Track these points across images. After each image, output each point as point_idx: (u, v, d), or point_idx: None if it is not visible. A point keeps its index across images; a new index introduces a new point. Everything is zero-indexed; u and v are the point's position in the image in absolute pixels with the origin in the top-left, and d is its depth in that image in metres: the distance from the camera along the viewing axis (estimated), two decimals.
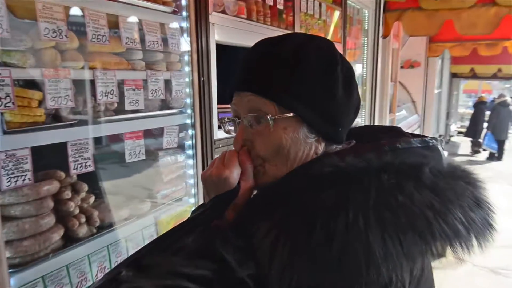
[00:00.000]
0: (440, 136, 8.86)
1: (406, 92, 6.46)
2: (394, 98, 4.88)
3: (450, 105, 10.00)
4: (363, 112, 4.00)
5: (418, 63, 6.51)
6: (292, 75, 0.61)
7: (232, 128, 0.70)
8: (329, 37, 2.94)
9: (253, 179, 0.66)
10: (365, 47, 3.82)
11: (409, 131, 0.72)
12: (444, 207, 0.53)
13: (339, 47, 3.17)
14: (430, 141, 0.63)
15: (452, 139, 9.85)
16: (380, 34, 3.85)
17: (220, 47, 1.78)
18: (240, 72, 0.66)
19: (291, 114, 0.61)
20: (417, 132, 6.59)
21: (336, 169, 0.57)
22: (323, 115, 0.62)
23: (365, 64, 3.89)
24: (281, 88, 0.61)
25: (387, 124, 4.42)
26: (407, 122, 5.86)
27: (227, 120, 0.70)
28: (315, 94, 0.62)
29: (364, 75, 3.92)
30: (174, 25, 1.56)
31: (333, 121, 0.63)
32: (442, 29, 3.59)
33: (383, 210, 0.51)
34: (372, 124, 0.85)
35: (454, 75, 9.84)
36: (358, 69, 3.89)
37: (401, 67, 5.72)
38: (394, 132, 0.70)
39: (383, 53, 4.07)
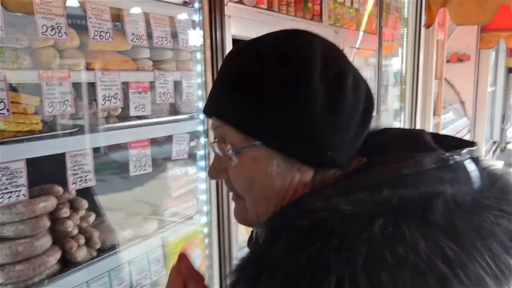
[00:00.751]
0: (494, 143, 8.65)
1: (453, 91, 6.34)
2: (439, 98, 4.80)
3: (506, 106, 9.75)
4: (403, 115, 3.94)
5: (468, 56, 6.39)
6: (252, 95, 0.57)
7: None
8: (362, 28, 2.93)
9: (240, 215, 0.67)
10: (405, 39, 3.79)
11: (457, 136, 0.67)
12: (465, 255, 0.46)
13: (373, 39, 3.15)
14: (452, 157, 0.56)
15: (509, 146, 9.59)
16: (423, 23, 3.81)
17: (237, 43, 1.79)
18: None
19: (257, 143, 0.58)
20: (467, 137, 6.45)
21: (314, 219, 0.50)
22: (299, 140, 0.57)
23: (404, 59, 3.84)
24: (240, 112, 0.58)
25: (431, 129, 4.35)
26: (454, 126, 5.75)
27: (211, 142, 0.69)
28: (282, 115, 0.56)
29: (404, 72, 3.88)
30: (185, 18, 1.59)
31: (314, 144, 0.58)
32: (497, 16, 3.52)
33: (377, 271, 0.44)
34: (392, 127, 0.78)
35: (511, 70, 9.61)
36: (395, 63, 3.85)
37: (447, 61, 5.63)
38: (413, 139, 0.64)
39: (426, 45, 4.02)
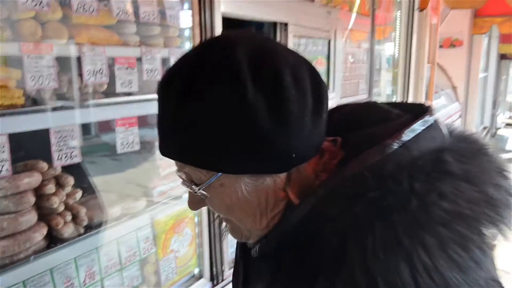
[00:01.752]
0: (484, 128, 8.68)
1: (446, 76, 6.32)
2: (431, 83, 4.77)
3: (497, 92, 9.76)
4: (395, 99, 3.92)
5: (460, 41, 6.36)
6: (192, 131, 0.54)
7: None
8: (354, 10, 2.88)
9: (235, 233, 0.66)
10: (398, 22, 3.74)
11: (448, 122, 0.68)
12: (485, 195, 0.51)
13: (366, 22, 3.10)
14: (429, 118, 0.58)
15: (499, 132, 9.65)
16: (416, 7, 3.76)
17: (226, 21, 1.75)
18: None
19: (219, 174, 0.56)
20: (458, 122, 6.48)
21: (365, 201, 0.51)
22: (257, 157, 0.54)
23: (397, 43, 3.81)
24: (189, 150, 0.55)
25: None
26: (446, 111, 5.75)
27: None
28: (229, 141, 0.53)
29: (396, 56, 3.85)
30: None
31: (274, 156, 0.54)
32: (490, 1, 3.48)
33: (433, 226, 0.48)
34: (344, 104, 0.77)
35: (503, 57, 9.59)
36: (388, 48, 3.81)
37: (440, 46, 5.59)
38: (378, 110, 0.65)
39: (419, 29, 3.98)
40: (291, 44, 2.21)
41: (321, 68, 2.60)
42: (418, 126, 0.56)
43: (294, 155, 0.55)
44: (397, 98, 3.93)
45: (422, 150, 0.55)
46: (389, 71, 3.92)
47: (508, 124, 10.40)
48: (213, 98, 0.52)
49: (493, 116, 9.42)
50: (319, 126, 0.58)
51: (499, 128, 9.93)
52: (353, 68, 3.07)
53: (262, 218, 0.60)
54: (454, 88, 6.54)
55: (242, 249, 0.73)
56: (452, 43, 6.31)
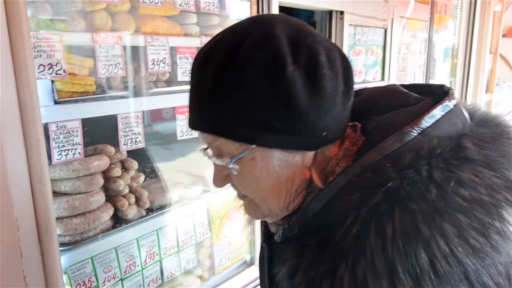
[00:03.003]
0: None
1: (509, 67, 5.91)
2: (492, 75, 4.49)
3: None
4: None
5: None
6: (234, 103, 0.55)
7: None
8: None
9: (251, 212, 0.66)
10: (459, 10, 3.54)
11: (509, 116, 0.66)
12: (505, 180, 0.51)
13: (425, 9, 2.97)
14: (449, 102, 0.58)
15: None
16: None
17: (283, 10, 1.75)
18: (188, 103, 0.62)
19: (253, 147, 0.57)
20: None
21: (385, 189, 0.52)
22: (292, 131, 0.56)
23: (457, 31, 3.61)
24: (227, 121, 0.56)
25: (482, 107, 4.09)
26: (508, 104, 5.39)
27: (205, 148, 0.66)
28: (269, 114, 0.54)
29: (456, 45, 3.65)
30: None
31: (308, 132, 0.56)
32: None
33: (451, 212, 0.49)
34: (362, 88, 0.78)
35: None
36: (446, 38, 3.62)
37: (503, 35, 5.23)
38: (396, 94, 0.65)
39: (481, 17, 3.74)
40: (346, 33, 2.16)
41: (373, 58, 2.53)
42: (437, 112, 0.56)
43: (324, 133, 0.57)
44: (455, 91, 3.74)
45: (442, 137, 0.55)
46: (447, 62, 3.72)
47: None
48: (253, 72, 0.53)
49: None
50: (347, 108, 0.60)
51: None
52: (409, 59, 2.95)
53: (286, 197, 0.61)
54: None
55: (266, 234, 0.75)
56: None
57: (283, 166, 0.59)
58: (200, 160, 1.72)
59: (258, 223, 1.80)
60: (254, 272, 1.82)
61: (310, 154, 0.59)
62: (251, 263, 1.85)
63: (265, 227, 0.74)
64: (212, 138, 0.59)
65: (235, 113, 0.55)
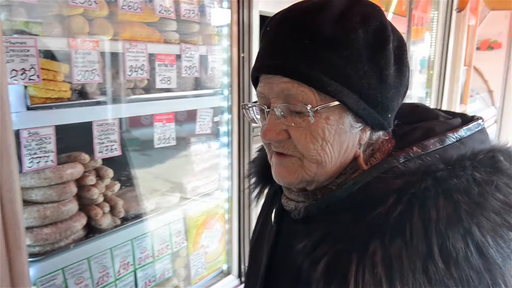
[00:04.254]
0: None
1: (482, 79, 6.12)
2: (466, 86, 4.63)
3: None
4: (428, 102, 3.84)
5: (499, 44, 6.13)
6: (335, 55, 0.57)
7: (258, 116, 0.67)
8: (391, 9, 2.83)
9: (290, 174, 0.65)
10: (435, 23, 3.65)
11: (456, 113, 0.73)
12: None
13: (403, 22, 3.04)
14: (481, 122, 0.65)
15: None
16: (455, 7, 3.65)
17: (264, 19, 1.76)
18: (267, 51, 0.62)
19: (335, 103, 0.58)
20: (493, 128, 6.27)
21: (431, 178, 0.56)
22: (372, 101, 0.60)
23: (433, 43, 3.71)
24: (321, 71, 0.57)
25: None
26: (481, 115, 5.56)
27: (250, 105, 0.67)
28: (363, 77, 0.58)
29: (432, 57, 3.75)
30: None
31: (382, 107, 0.61)
32: None
33: (489, 213, 0.53)
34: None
35: None
36: (422, 50, 3.72)
37: (477, 48, 5.41)
38: (420, 109, 0.71)
39: (456, 30, 3.86)
40: None
41: None
42: (473, 127, 0.63)
43: (389, 115, 0.63)
44: (430, 101, 3.84)
45: (475, 148, 0.59)
46: (423, 73, 3.82)
47: None
48: (364, 34, 0.58)
49: None
50: (399, 106, 0.65)
51: None
52: None
53: (338, 166, 0.63)
54: (490, 92, 6.32)
55: (278, 213, 0.75)
56: (490, 45, 6.10)
57: (348, 135, 0.61)
58: (178, 167, 1.73)
59: (235, 233, 1.79)
60: (231, 281, 1.81)
61: (367, 133, 0.63)
62: (228, 273, 1.84)
63: (278, 206, 0.74)
64: (290, 84, 0.59)
65: (334, 65, 0.57)
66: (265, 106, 0.63)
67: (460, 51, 4.01)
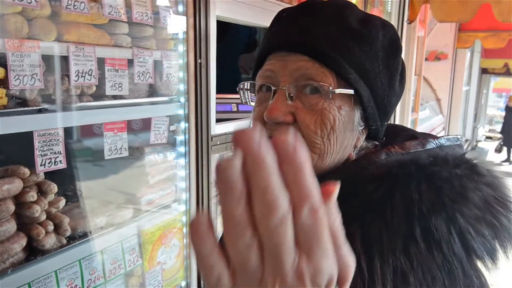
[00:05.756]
0: (466, 141, 8.85)
1: (430, 89, 6.43)
2: (417, 95, 4.83)
3: (478, 105, 10.00)
4: None
5: (445, 55, 6.50)
6: (357, 48, 0.60)
7: (253, 97, 0.67)
8: None
9: None
10: None
11: (433, 134, 0.78)
12: (504, 205, 0.58)
13: None
14: (460, 137, 0.70)
15: (480, 144, 9.87)
16: (405, 19, 3.80)
17: (221, 25, 1.71)
18: (287, 29, 0.63)
19: (351, 91, 0.60)
20: (442, 134, 6.60)
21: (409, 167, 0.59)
22: (379, 102, 0.63)
23: None
24: (345, 58, 0.59)
25: (409, 125, 4.37)
26: (431, 123, 5.84)
27: (247, 86, 0.66)
28: (378, 75, 0.61)
29: None
30: None
31: (384, 112, 0.65)
32: (478, 15, 3.55)
33: (471, 205, 0.55)
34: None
35: (484, 71, 9.85)
36: None
37: (425, 59, 5.68)
38: (401, 128, 0.74)
39: (407, 41, 4.02)
40: None
41: None
42: (453, 139, 0.67)
43: (384, 124, 0.66)
44: None
45: (455, 156, 0.62)
46: None
47: (488, 137, 10.64)
48: (382, 37, 0.62)
49: (474, 129, 9.63)
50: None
51: (480, 141, 10.16)
52: None
53: (332, 162, 0.63)
54: (438, 100, 6.66)
55: None
56: (437, 56, 6.43)
57: (351, 133, 0.62)
58: (132, 178, 1.63)
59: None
60: None
61: (363, 138, 0.65)
62: None
63: None
64: (313, 65, 0.60)
65: (356, 56, 0.60)
66: (271, 85, 0.62)
67: (411, 61, 4.19)
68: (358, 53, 0.60)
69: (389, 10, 3.69)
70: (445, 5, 3.59)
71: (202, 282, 1.73)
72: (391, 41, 0.64)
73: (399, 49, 0.65)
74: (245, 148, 0.25)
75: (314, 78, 0.59)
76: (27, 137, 1.11)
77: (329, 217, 0.28)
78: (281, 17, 0.66)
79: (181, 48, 1.56)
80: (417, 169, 0.57)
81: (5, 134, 1.05)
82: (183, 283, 1.75)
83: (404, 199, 0.54)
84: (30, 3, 1.06)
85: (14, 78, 1.05)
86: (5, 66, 1.04)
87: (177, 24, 1.54)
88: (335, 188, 0.30)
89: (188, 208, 1.67)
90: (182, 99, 1.59)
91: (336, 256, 0.28)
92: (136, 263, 1.51)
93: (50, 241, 1.20)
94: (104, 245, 1.38)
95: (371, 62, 0.61)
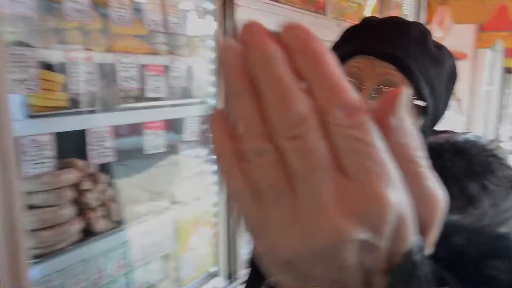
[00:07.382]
0: None
1: None
2: None
3: (501, 105, 9.82)
4: None
5: (464, 55, 6.45)
6: (432, 69, 0.70)
7: None
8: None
9: None
10: None
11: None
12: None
13: None
14: (482, 136, 0.79)
15: (502, 145, 9.68)
16: (421, 21, 3.87)
17: None
18: (380, 39, 0.70)
19: (424, 103, 0.69)
20: None
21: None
22: (436, 117, 0.73)
23: None
24: (423, 75, 0.69)
25: None
26: (451, 123, 5.81)
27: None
28: (441, 95, 0.71)
29: None
30: (197, 6, 1.66)
31: (434, 124, 0.74)
32: (495, 16, 3.58)
33: (499, 177, 0.63)
34: None
35: (507, 70, 9.66)
36: None
37: None
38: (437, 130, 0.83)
39: None
40: None
41: None
42: (476, 136, 0.74)
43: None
44: None
45: (482, 142, 0.71)
46: None
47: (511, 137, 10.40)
48: (449, 63, 0.73)
49: (497, 129, 9.47)
50: None
51: (502, 142, 9.96)
52: None
53: None
54: (458, 100, 6.61)
55: None
56: (456, 57, 6.39)
57: None
58: (168, 172, 1.79)
59: (222, 236, 1.86)
60: (219, 283, 1.87)
61: None
62: (216, 274, 1.89)
63: None
64: (397, 74, 0.68)
65: (430, 75, 0.70)
66: (356, 83, 0.70)
67: None
68: (432, 73, 0.70)
69: (405, 13, 3.77)
70: (462, 6, 3.64)
71: (229, 268, 1.88)
72: (453, 69, 0.74)
73: (456, 78, 0.75)
74: (249, 41, 0.20)
75: (394, 85, 0.68)
76: (79, 134, 1.28)
77: (397, 131, 0.21)
78: (370, 25, 0.74)
79: (211, 54, 1.72)
80: (450, 144, 0.66)
81: (63, 131, 1.23)
82: (213, 269, 1.90)
83: (438, 166, 0.61)
84: (86, 18, 1.24)
85: (72, 83, 1.22)
86: (65, 73, 1.22)
87: (207, 32, 1.70)
88: (401, 91, 0.22)
89: (219, 200, 1.83)
90: (213, 101, 1.75)
91: (414, 188, 0.21)
92: (171, 248, 1.67)
93: (101, 225, 1.38)
94: (145, 231, 1.54)
95: (438, 83, 0.71)
